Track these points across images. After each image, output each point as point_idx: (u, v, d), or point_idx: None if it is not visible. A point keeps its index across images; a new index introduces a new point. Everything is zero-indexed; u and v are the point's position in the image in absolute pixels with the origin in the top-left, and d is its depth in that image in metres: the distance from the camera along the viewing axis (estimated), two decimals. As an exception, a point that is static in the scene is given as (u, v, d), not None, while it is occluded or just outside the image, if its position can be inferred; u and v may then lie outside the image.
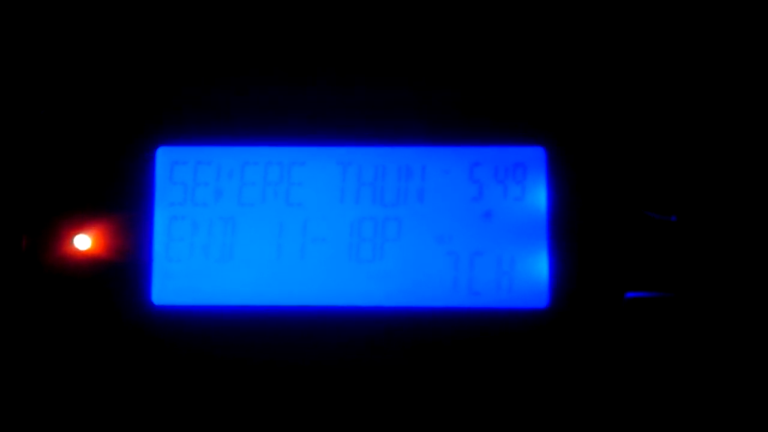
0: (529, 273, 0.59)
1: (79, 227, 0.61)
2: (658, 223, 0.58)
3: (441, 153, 0.60)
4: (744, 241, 0.57)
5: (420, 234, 0.60)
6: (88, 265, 0.61)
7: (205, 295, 0.60)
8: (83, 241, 0.61)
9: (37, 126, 0.61)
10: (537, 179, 0.59)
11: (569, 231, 0.59)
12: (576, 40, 0.59)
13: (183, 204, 0.61)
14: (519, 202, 0.59)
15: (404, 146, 0.60)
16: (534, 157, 0.60)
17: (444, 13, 0.60)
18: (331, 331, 0.59)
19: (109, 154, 0.61)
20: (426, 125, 0.60)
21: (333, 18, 0.60)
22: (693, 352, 0.57)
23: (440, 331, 0.59)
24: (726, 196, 0.58)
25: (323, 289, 0.60)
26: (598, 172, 0.59)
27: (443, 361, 0.58)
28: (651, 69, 0.59)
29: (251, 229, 0.60)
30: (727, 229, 0.57)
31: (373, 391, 0.58)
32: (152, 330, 0.60)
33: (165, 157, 0.61)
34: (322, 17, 0.60)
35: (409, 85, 0.60)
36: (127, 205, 0.61)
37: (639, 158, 0.58)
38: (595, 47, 0.59)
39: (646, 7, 0.59)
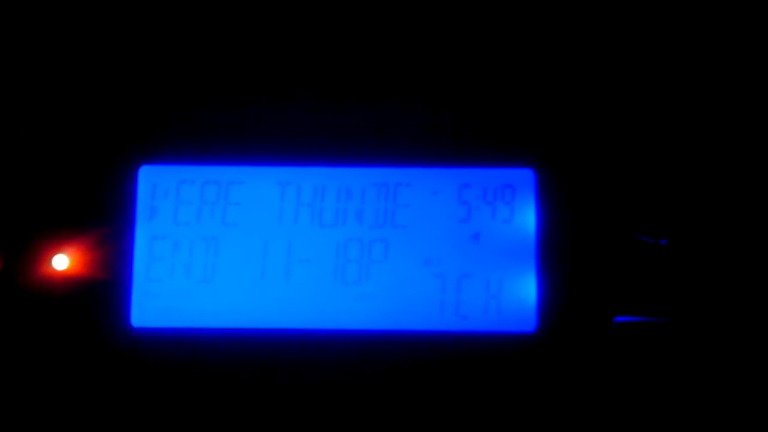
0: (516, 296, 0.58)
1: (57, 247, 0.60)
2: (648, 246, 0.57)
3: (429, 174, 0.59)
4: (735, 264, 0.57)
5: (407, 256, 0.59)
6: (66, 285, 0.59)
7: (186, 317, 0.59)
8: (61, 261, 0.59)
9: (16, 143, 0.60)
10: (526, 201, 0.59)
11: (558, 254, 0.58)
12: (566, 62, 0.59)
13: (165, 223, 0.60)
14: (507, 225, 0.59)
15: (392, 167, 0.59)
16: (523, 179, 0.59)
17: (432, 35, 0.59)
18: (316, 354, 0.58)
19: (90, 172, 0.60)
20: (415, 146, 0.59)
21: (315, 38, 0.60)
22: (683, 377, 0.56)
23: (426, 354, 0.58)
24: (717, 219, 0.57)
25: (307, 312, 0.59)
26: (588, 194, 0.58)
27: (429, 385, 0.58)
28: (641, 92, 0.59)
29: (234, 249, 0.59)
30: (718, 253, 0.57)
31: (358, 416, 0.57)
32: (131, 353, 0.59)
33: (147, 176, 0.60)
34: (297, 37, 0.60)
35: (399, 105, 0.60)
36: (108, 225, 0.60)
37: (629, 181, 0.58)
38: (585, 70, 0.59)
39: (635, 30, 0.59)
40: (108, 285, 0.59)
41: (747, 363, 0.56)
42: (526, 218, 0.59)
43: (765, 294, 0.56)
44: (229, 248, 0.59)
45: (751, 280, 0.57)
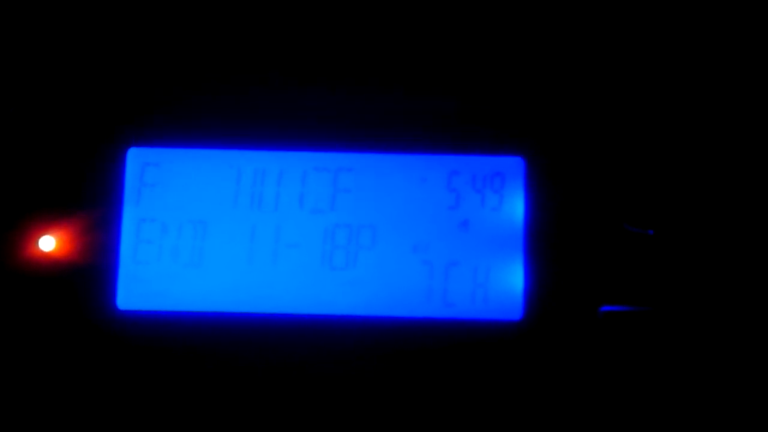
0: (504, 284, 0.58)
1: (44, 228, 0.59)
2: (636, 236, 0.57)
3: (418, 161, 0.59)
4: (722, 255, 0.57)
5: (395, 242, 0.59)
6: (52, 266, 0.59)
7: (172, 301, 0.59)
8: (48, 243, 0.59)
9: (5, 124, 0.60)
10: (515, 189, 0.59)
11: (546, 243, 0.58)
12: (556, 51, 0.59)
13: (152, 206, 0.59)
14: (496, 213, 0.59)
15: (381, 153, 0.59)
16: (513, 167, 0.59)
17: (423, 22, 0.59)
18: (302, 339, 0.58)
19: (79, 154, 0.60)
20: (405, 132, 0.59)
21: (323, 21, 0.60)
22: (668, 367, 0.56)
23: (413, 341, 0.58)
24: (705, 210, 0.57)
25: (295, 297, 0.58)
26: (577, 184, 0.58)
27: (415, 371, 0.57)
28: (631, 82, 0.59)
29: (222, 233, 0.59)
30: (706, 244, 0.57)
31: (344, 401, 0.57)
32: (117, 335, 0.58)
33: (136, 158, 0.60)
34: (299, 19, 0.60)
35: (391, 92, 0.60)
36: (95, 207, 0.59)
37: (618, 171, 0.58)
38: (576, 59, 0.59)
39: (627, 19, 0.59)
40: (94, 267, 0.59)
41: (732, 352, 0.56)
42: (515, 206, 0.59)
43: (751, 284, 0.56)
44: (217, 232, 0.59)
45: (737, 270, 0.57)
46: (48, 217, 0.59)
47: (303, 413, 0.57)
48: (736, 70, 0.58)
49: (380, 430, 0.57)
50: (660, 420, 0.56)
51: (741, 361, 0.56)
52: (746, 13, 0.58)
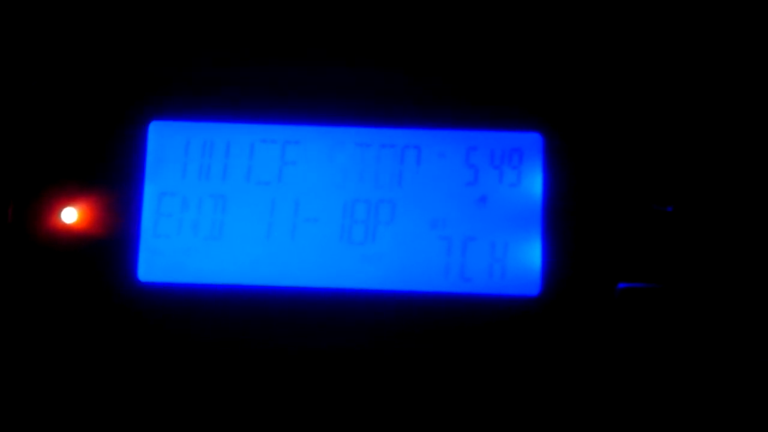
0: (521, 260, 0.58)
1: (67, 200, 0.60)
2: (654, 213, 0.57)
3: (437, 136, 0.59)
4: (740, 233, 0.57)
5: (413, 218, 0.59)
6: (74, 238, 0.60)
7: (192, 273, 0.59)
8: (70, 215, 0.60)
9: (28, 97, 0.60)
10: (533, 165, 0.59)
11: (564, 219, 0.58)
12: (576, 26, 0.59)
13: (173, 180, 0.60)
14: (514, 188, 0.59)
15: (401, 128, 0.59)
16: (531, 143, 0.59)
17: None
18: (320, 312, 0.59)
19: (101, 127, 0.60)
20: (423, 108, 0.60)
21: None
22: (685, 343, 0.56)
23: (430, 316, 0.58)
24: (723, 187, 0.57)
25: (313, 270, 0.59)
26: (596, 160, 0.58)
27: (432, 346, 0.58)
28: (650, 57, 0.58)
29: (241, 207, 0.60)
30: (724, 221, 0.57)
31: (361, 375, 0.57)
32: (137, 307, 0.59)
33: (157, 132, 0.60)
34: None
35: (410, 67, 0.60)
36: (117, 180, 0.60)
37: (637, 147, 0.58)
38: (595, 34, 0.59)
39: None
40: (116, 239, 0.60)
41: (748, 329, 0.56)
42: (533, 182, 0.59)
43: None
44: (237, 205, 0.60)
45: (755, 247, 0.57)
46: (70, 189, 0.60)
47: (320, 385, 0.58)
48: (759, 48, 0.58)
49: (397, 404, 0.57)
50: (675, 396, 0.56)
51: (757, 337, 0.56)
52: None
